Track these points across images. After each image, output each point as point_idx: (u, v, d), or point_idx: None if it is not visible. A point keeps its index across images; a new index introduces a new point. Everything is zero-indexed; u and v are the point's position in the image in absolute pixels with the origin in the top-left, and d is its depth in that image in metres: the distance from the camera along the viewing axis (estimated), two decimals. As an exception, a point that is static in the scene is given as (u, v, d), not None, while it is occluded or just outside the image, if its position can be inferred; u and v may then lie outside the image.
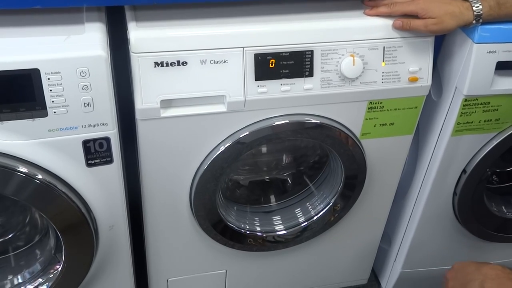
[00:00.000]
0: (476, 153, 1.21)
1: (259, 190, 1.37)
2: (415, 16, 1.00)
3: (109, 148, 0.98)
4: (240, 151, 1.08)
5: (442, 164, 1.21)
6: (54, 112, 0.90)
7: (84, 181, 1.00)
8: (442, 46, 1.14)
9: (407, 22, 1.00)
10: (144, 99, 0.96)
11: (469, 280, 0.93)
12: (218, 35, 0.96)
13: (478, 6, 0.98)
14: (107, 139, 0.97)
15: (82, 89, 0.89)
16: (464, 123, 1.14)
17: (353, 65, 1.02)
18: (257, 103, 1.02)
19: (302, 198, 1.34)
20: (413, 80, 1.08)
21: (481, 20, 1.00)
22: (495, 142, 1.19)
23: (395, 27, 1.01)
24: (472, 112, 1.13)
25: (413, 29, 1.01)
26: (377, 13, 1.02)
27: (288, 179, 1.38)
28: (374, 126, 1.15)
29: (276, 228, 1.30)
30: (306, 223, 1.30)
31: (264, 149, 1.31)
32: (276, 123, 1.06)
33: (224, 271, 1.36)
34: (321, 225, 1.30)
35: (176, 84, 0.96)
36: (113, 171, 1.02)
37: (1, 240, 1.21)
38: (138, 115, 0.99)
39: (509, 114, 1.15)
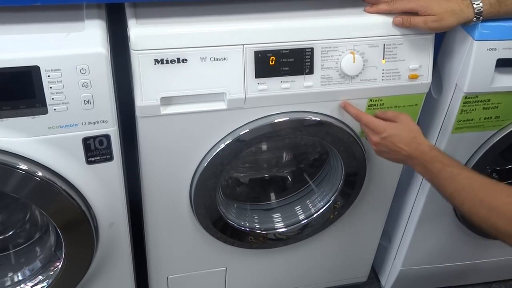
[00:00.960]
0: (476, 150, 1.21)
1: (259, 188, 1.37)
2: (415, 14, 1.00)
3: (109, 146, 0.98)
4: (240, 148, 1.08)
5: (442, 162, 1.21)
6: (54, 110, 0.90)
7: (84, 178, 1.00)
8: (442, 43, 1.14)
9: (407, 19, 1.00)
10: (144, 96, 0.96)
11: (398, 157, 1.02)
12: (218, 32, 0.96)
13: (479, 4, 0.98)
14: (107, 137, 0.97)
15: (82, 86, 0.89)
16: (464, 121, 1.14)
17: (353, 62, 1.02)
18: (257, 100, 1.02)
19: (302, 196, 1.34)
20: (413, 77, 1.08)
21: (481, 18, 1.00)
22: (495, 140, 1.19)
23: (395, 24, 1.01)
24: (472, 110, 1.13)
25: (413, 26, 1.01)
26: (377, 10, 1.02)
27: (288, 176, 1.38)
28: (374, 124, 1.14)
29: (276, 225, 1.31)
30: (306, 220, 1.30)
31: (264, 147, 1.31)
32: (276, 120, 1.06)
33: (224, 268, 1.36)
34: (321, 222, 1.30)
35: (176, 81, 0.96)
36: (113, 169, 1.02)
37: (1, 237, 1.22)
38: (138, 113, 0.99)
39: (509, 112, 1.15)
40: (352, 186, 1.23)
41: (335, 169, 1.25)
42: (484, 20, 1.01)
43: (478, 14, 0.99)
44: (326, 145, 1.20)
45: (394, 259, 1.49)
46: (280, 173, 1.38)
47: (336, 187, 1.25)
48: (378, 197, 1.33)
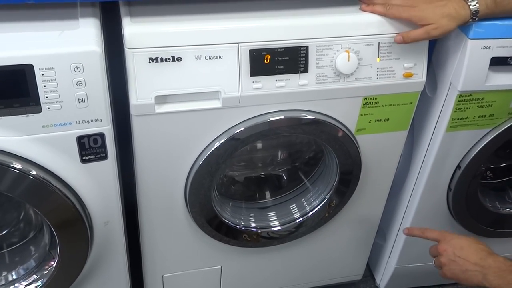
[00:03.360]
0: (471, 148, 1.21)
1: (254, 186, 1.37)
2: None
3: (103, 144, 0.98)
4: (235, 147, 1.08)
5: (436, 160, 1.22)
6: (48, 108, 0.89)
7: (78, 177, 1.00)
8: (436, 42, 1.14)
9: (408, 36, 1.00)
10: (139, 95, 0.96)
11: (468, 268, 0.96)
12: (213, 31, 0.95)
13: (475, 5, 0.98)
14: (101, 135, 0.96)
15: (76, 84, 0.89)
16: (458, 119, 1.15)
17: (348, 60, 1.02)
18: (252, 99, 1.02)
19: (297, 194, 1.34)
20: (408, 76, 1.08)
21: (477, 18, 1.00)
22: (489, 138, 1.19)
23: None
24: (467, 108, 1.13)
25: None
26: (372, 10, 1.02)
27: (283, 175, 1.38)
28: (369, 122, 1.15)
29: (271, 224, 1.31)
30: (301, 219, 1.30)
31: (259, 145, 1.31)
32: (271, 119, 1.06)
33: (219, 267, 1.36)
34: (316, 221, 1.30)
35: (171, 80, 0.96)
36: (108, 167, 1.02)
37: (-5, 236, 1.21)
38: (132, 111, 0.98)
39: (503, 110, 1.16)
40: (347, 184, 1.24)
41: (330, 168, 1.25)
42: (479, 20, 1.01)
43: (475, 15, 0.99)
44: (321, 144, 1.20)
45: (389, 257, 1.50)
46: (275, 172, 1.38)
47: (331, 185, 1.25)
48: (373, 196, 1.33)
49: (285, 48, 0.99)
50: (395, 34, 1.03)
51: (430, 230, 1.09)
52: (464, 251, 0.99)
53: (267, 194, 1.36)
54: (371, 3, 1.02)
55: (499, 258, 0.96)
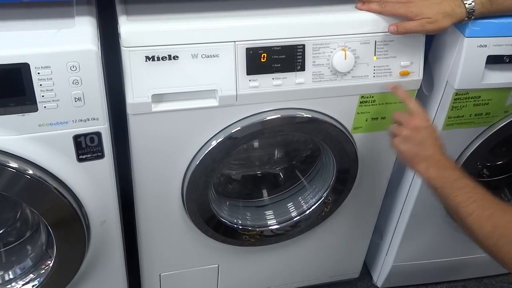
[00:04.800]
0: (467, 146, 1.21)
1: (251, 185, 1.37)
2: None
3: (100, 143, 0.98)
4: (232, 145, 1.07)
5: (433, 158, 1.22)
6: (44, 107, 0.89)
7: (75, 176, 1.00)
8: (433, 40, 1.14)
9: (402, 26, 1.00)
10: (135, 93, 0.96)
11: (420, 154, 0.98)
12: (209, 29, 0.95)
13: (471, 3, 0.98)
14: (98, 134, 0.96)
15: (73, 83, 0.88)
16: (455, 117, 1.15)
17: (345, 59, 1.02)
18: (249, 97, 1.02)
19: (294, 193, 1.34)
20: (405, 74, 1.08)
21: (473, 17, 1.00)
22: (485, 136, 1.20)
23: (390, 32, 1.01)
24: (463, 106, 1.13)
25: (409, 32, 1.00)
26: (368, 8, 1.02)
27: (280, 173, 1.38)
28: (366, 120, 1.15)
29: (268, 222, 1.31)
30: (298, 217, 1.30)
31: (256, 144, 1.31)
32: (268, 117, 1.06)
33: (217, 265, 1.36)
34: (313, 219, 1.30)
35: (168, 78, 0.96)
36: (105, 166, 1.01)
37: (-9, 236, 1.21)
38: (129, 110, 0.98)
39: (499, 108, 1.16)
40: (344, 182, 1.24)
41: (327, 166, 1.25)
42: (475, 19, 1.01)
43: (470, 14, 0.99)
44: (318, 142, 1.20)
45: (386, 255, 1.50)
46: (272, 170, 1.38)
47: (328, 183, 1.25)
48: (369, 194, 1.33)
49: (281, 46, 0.99)
50: (391, 33, 1.03)
51: (411, 99, 1.06)
52: (428, 140, 0.99)
53: (264, 192, 1.37)
54: (366, 1, 1.02)
55: (447, 156, 0.99)
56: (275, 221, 1.31)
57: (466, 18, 1.00)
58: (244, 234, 1.28)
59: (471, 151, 1.21)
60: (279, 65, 1.00)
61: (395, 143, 1.03)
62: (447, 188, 0.92)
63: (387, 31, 1.02)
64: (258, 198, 1.36)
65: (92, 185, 1.03)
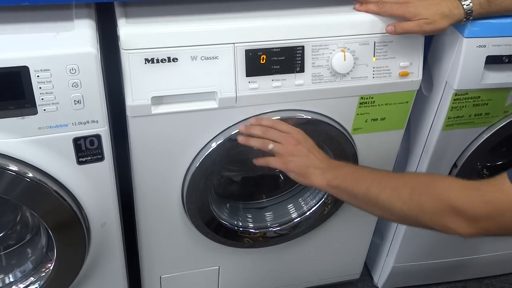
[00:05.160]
0: (467, 147, 1.22)
1: (251, 187, 1.37)
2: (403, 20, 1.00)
3: (100, 146, 0.98)
4: (232, 147, 1.07)
5: (433, 159, 1.22)
6: (44, 110, 0.89)
7: (75, 179, 0.99)
8: (432, 41, 1.14)
9: (400, 26, 0.99)
10: (135, 96, 0.96)
11: (314, 165, 0.98)
12: (208, 31, 0.95)
13: (469, 4, 0.98)
14: (98, 137, 0.96)
15: (72, 86, 0.88)
16: (454, 118, 1.15)
17: (344, 60, 1.02)
18: (248, 99, 1.02)
19: (294, 194, 1.34)
20: (404, 75, 1.08)
21: (471, 18, 1.00)
22: (485, 136, 1.20)
23: (388, 32, 1.01)
24: (463, 107, 1.13)
25: (406, 32, 1.00)
26: (366, 9, 1.02)
27: (280, 175, 1.38)
28: (366, 121, 1.15)
29: (269, 224, 1.31)
30: (298, 218, 1.30)
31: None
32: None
33: (217, 267, 1.36)
34: (313, 220, 1.30)
35: (167, 80, 0.96)
36: (104, 169, 1.01)
37: (-8, 239, 1.21)
38: (129, 112, 0.98)
39: (499, 108, 1.16)
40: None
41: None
42: (473, 20, 1.01)
43: (469, 14, 0.99)
44: (318, 143, 1.20)
45: (387, 256, 1.50)
46: (272, 172, 1.38)
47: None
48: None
49: (281, 48, 0.99)
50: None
51: (279, 122, 1.03)
52: (313, 150, 0.99)
53: (264, 194, 1.36)
54: (364, 2, 1.02)
55: (323, 159, 0.99)
56: (275, 223, 1.30)
57: (464, 19, 1.00)
58: (245, 237, 1.28)
59: (471, 151, 1.21)
60: (278, 66, 1.00)
61: (282, 163, 1.00)
62: (350, 180, 0.93)
63: (386, 32, 1.02)
64: (259, 200, 1.36)
65: (92, 188, 1.02)
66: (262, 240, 1.30)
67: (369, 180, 0.90)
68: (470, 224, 0.76)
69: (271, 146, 1.00)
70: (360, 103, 1.11)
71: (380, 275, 1.56)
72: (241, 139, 1.03)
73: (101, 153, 0.99)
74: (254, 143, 1.02)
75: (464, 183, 0.80)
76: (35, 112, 0.89)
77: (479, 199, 0.76)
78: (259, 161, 1.05)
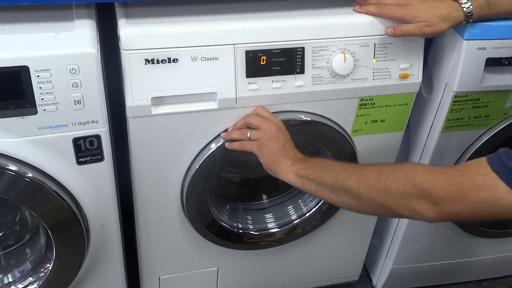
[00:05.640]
0: (466, 149, 1.22)
1: (251, 188, 1.37)
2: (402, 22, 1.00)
3: (99, 146, 0.97)
4: (229, 150, 1.07)
5: (432, 160, 1.22)
6: (44, 110, 0.89)
7: (74, 179, 0.99)
8: (432, 43, 1.14)
9: (399, 28, 0.99)
10: (135, 96, 0.96)
11: (283, 155, 0.99)
12: (209, 32, 0.95)
13: (469, 7, 0.98)
14: (97, 137, 0.96)
15: (72, 86, 0.88)
16: (454, 120, 1.15)
17: (344, 62, 1.02)
18: (248, 100, 1.02)
19: (294, 195, 1.34)
20: (404, 77, 1.08)
21: (471, 20, 1.00)
22: (484, 139, 1.20)
23: (387, 34, 1.01)
24: (462, 109, 1.13)
25: (406, 34, 1.00)
26: (365, 11, 1.02)
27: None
28: (366, 123, 1.15)
29: (268, 225, 1.31)
30: (298, 220, 1.30)
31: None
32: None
33: (216, 268, 1.36)
34: (313, 222, 1.30)
35: (167, 81, 0.96)
36: (104, 169, 1.01)
37: (-9, 239, 1.21)
38: (128, 113, 0.98)
39: (499, 111, 1.16)
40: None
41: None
42: (473, 22, 1.01)
43: (468, 17, 0.99)
44: (317, 144, 1.20)
45: (386, 257, 1.50)
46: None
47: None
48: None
49: (281, 49, 0.99)
50: (391, 35, 1.03)
51: (259, 107, 1.04)
52: (289, 142, 1.00)
53: (264, 195, 1.36)
54: (364, 3, 1.03)
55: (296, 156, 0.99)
56: (275, 224, 1.30)
57: (464, 22, 1.00)
58: (245, 240, 1.27)
59: (470, 153, 1.21)
60: (278, 68, 1.00)
61: (258, 145, 1.00)
62: (318, 169, 0.93)
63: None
64: (258, 201, 1.36)
65: (91, 188, 1.02)
66: (262, 242, 1.30)
67: (336, 168, 0.91)
68: (434, 207, 0.77)
69: (249, 133, 1.01)
70: (360, 105, 1.11)
71: (379, 277, 1.56)
72: (226, 145, 1.05)
73: (101, 154, 0.99)
74: (236, 145, 1.03)
75: (430, 167, 0.81)
76: (35, 112, 0.89)
77: (444, 182, 0.77)
78: (234, 145, 1.04)
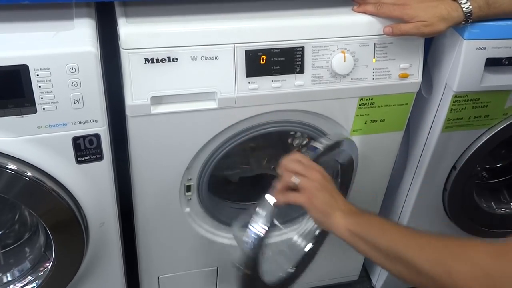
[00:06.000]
0: (466, 149, 1.22)
1: (250, 187, 1.37)
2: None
3: (99, 145, 0.97)
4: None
5: (432, 160, 1.22)
6: (43, 109, 0.89)
7: (74, 178, 0.99)
8: (432, 42, 1.14)
9: (398, 28, 0.99)
10: (135, 95, 0.96)
11: (333, 206, 0.89)
12: (209, 31, 0.95)
13: (468, 7, 0.98)
14: (97, 136, 0.96)
15: (72, 85, 0.88)
16: (454, 120, 1.15)
17: (344, 61, 1.02)
18: (248, 99, 1.02)
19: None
20: (404, 76, 1.08)
21: (470, 20, 1.00)
22: (484, 139, 1.20)
23: (385, 33, 1.01)
24: (462, 109, 1.13)
25: (404, 34, 1.00)
26: (364, 10, 1.02)
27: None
28: (365, 123, 1.15)
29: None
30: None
31: (255, 145, 1.31)
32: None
33: (215, 268, 1.36)
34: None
35: (167, 80, 0.96)
36: (103, 168, 1.01)
37: (-10, 238, 1.21)
38: (128, 112, 0.98)
39: (498, 111, 1.16)
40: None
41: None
42: (473, 22, 1.01)
43: (468, 17, 0.99)
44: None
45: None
46: (271, 172, 1.38)
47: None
48: (368, 196, 1.33)
49: (281, 48, 0.99)
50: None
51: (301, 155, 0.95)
52: (335, 190, 0.92)
53: (263, 195, 1.36)
54: (362, 3, 1.02)
55: (346, 204, 0.91)
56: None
57: (463, 22, 0.99)
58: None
59: (470, 153, 1.21)
60: (278, 67, 1.00)
61: (307, 197, 0.91)
62: (374, 230, 0.84)
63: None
64: (257, 201, 1.35)
65: (91, 187, 1.02)
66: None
67: (393, 232, 0.81)
68: None
69: (295, 179, 0.92)
70: (359, 105, 1.11)
71: (379, 277, 1.56)
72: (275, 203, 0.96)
73: (100, 153, 0.99)
74: (282, 199, 0.95)
75: (493, 248, 0.70)
76: (35, 111, 0.89)
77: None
78: (280, 199, 0.94)
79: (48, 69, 0.86)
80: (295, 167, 0.94)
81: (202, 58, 0.96)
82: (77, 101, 0.90)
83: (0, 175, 0.91)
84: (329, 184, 0.92)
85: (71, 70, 0.87)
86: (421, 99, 1.19)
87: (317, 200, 0.90)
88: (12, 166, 0.91)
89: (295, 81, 1.03)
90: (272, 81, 1.01)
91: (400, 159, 1.32)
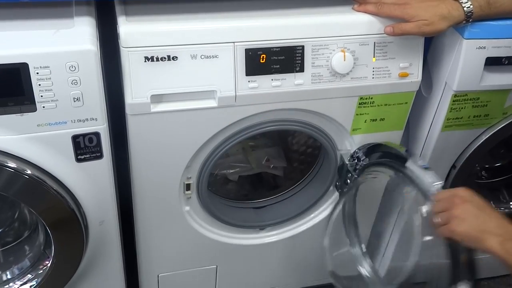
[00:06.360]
0: (466, 148, 1.22)
1: (249, 185, 1.37)
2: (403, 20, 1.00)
3: (99, 143, 0.97)
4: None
5: (432, 160, 1.22)
6: (43, 107, 0.89)
7: (73, 176, 0.99)
8: (432, 42, 1.14)
9: (398, 27, 0.99)
10: (134, 94, 0.96)
11: (487, 229, 0.84)
12: (208, 30, 0.95)
13: (469, 7, 0.98)
14: (96, 134, 0.96)
15: (72, 83, 0.88)
16: (453, 119, 1.15)
17: (344, 60, 1.02)
18: (248, 98, 1.02)
19: (293, 194, 1.34)
20: (404, 75, 1.08)
21: (471, 20, 1.00)
22: (484, 138, 1.20)
23: (386, 33, 1.01)
24: (462, 108, 1.13)
25: (405, 33, 1.00)
26: (364, 10, 1.02)
27: (279, 174, 1.38)
28: (365, 122, 1.15)
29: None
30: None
31: (255, 144, 1.31)
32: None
33: (215, 266, 1.36)
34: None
35: (167, 79, 0.96)
36: (103, 166, 1.01)
37: (-11, 236, 1.21)
38: (128, 110, 0.98)
39: (498, 110, 1.16)
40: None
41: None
42: (473, 21, 1.01)
43: (469, 16, 0.99)
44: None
45: (383, 255, 1.50)
46: (271, 170, 1.38)
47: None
48: (368, 195, 1.33)
49: (281, 47, 0.99)
50: (390, 34, 1.03)
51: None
52: (486, 210, 0.86)
53: (263, 193, 1.37)
54: (363, 2, 1.02)
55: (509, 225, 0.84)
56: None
57: (464, 21, 0.99)
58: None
59: (470, 153, 1.22)
60: (278, 66, 1.00)
61: (449, 230, 0.87)
62: None
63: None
64: (257, 199, 1.36)
65: (90, 186, 1.02)
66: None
67: None
68: None
69: (435, 219, 0.90)
70: (359, 104, 1.11)
71: (378, 276, 1.56)
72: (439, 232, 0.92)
73: (100, 151, 0.99)
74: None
75: None
76: (34, 109, 0.89)
77: None
78: (441, 233, 0.90)
79: (48, 67, 0.86)
80: (439, 196, 0.94)
81: (202, 57, 0.96)
82: (77, 99, 0.90)
83: (0, 173, 0.91)
84: (472, 204, 0.87)
85: (71, 68, 0.87)
86: (420, 98, 1.19)
87: (460, 228, 0.86)
88: (12, 164, 0.91)
89: (295, 80, 1.03)
90: (272, 80, 1.01)
91: (400, 158, 1.32)
